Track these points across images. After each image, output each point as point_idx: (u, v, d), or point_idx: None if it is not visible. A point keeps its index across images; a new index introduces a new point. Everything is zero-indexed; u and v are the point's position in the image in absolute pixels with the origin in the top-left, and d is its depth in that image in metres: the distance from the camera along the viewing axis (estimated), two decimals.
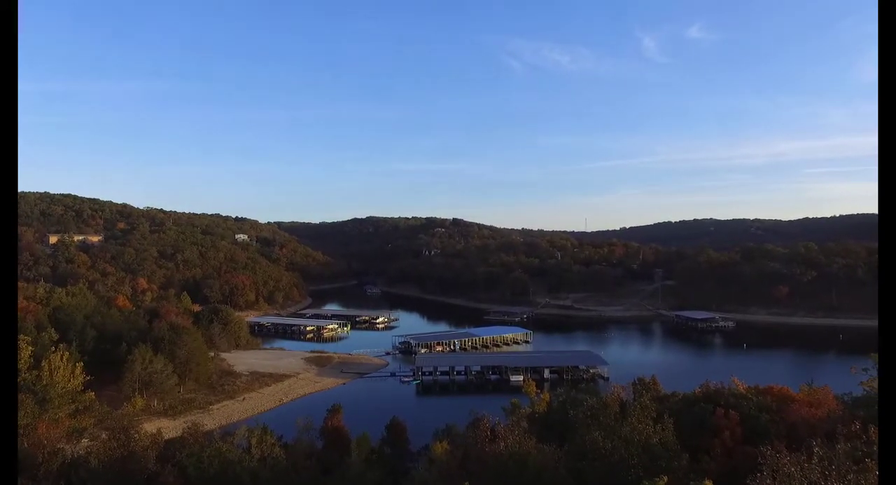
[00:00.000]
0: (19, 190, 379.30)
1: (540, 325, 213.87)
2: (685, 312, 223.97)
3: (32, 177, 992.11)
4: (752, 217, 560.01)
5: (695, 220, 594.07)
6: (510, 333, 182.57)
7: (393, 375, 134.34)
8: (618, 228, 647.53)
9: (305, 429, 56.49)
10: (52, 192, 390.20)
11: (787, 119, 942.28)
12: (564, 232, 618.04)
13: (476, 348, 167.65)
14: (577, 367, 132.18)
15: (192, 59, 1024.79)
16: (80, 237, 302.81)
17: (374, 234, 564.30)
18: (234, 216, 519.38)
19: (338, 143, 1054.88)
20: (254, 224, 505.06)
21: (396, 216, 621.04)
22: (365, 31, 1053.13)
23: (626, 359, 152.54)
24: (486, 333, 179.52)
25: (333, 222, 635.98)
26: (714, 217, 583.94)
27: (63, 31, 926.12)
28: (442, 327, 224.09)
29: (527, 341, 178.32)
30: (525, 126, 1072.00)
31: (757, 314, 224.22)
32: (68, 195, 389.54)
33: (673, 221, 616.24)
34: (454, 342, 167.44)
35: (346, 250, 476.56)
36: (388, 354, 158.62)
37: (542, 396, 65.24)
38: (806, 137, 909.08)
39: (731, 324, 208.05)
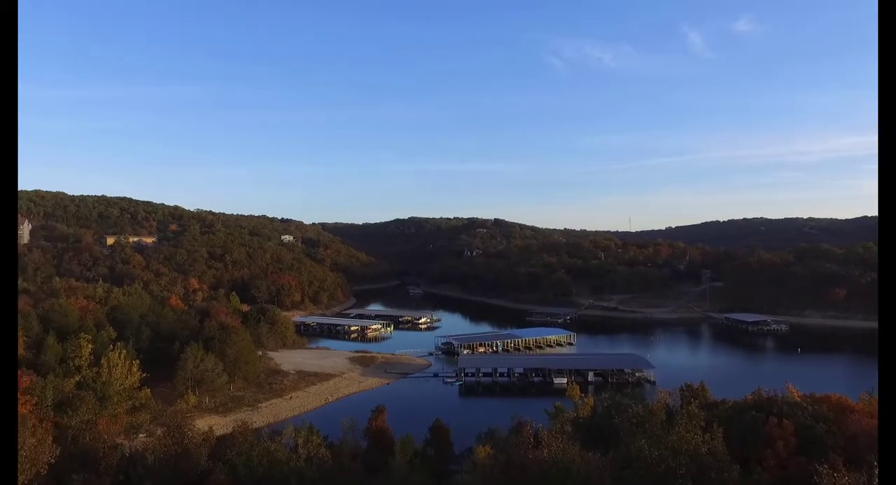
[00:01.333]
0: (81, 193, 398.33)
1: (583, 326, 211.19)
2: (735, 315, 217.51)
3: (90, 180, 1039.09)
4: (805, 216, 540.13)
5: (744, 219, 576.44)
6: (553, 335, 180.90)
7: (436, 375, 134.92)
8: (663, 228, 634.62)
9: (350, 429, 57.39)
10: (108, 195, 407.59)
11: (843, 114, 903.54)
12: (608, 232, 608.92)
13: (518, 350, 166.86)
14: (623, 370, 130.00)
15: (235, 64, 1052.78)
16: (135, 239, 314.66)
17: (416, 234, 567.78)
18: (280, 217, 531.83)
19: (380, 144, 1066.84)
20: (299, 225, 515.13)
21: (438, 217, 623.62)
22: (405, 33, 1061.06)
23: (673, 362, 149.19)
24: (529, 335, 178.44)
25: (376, 223, 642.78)
26: (765, 216, 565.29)
27: (116, 40, 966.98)
28: (484, 328, 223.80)
29: (570, 343, 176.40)
30: (567, 125, 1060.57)
31: (812, 317, 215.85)
32: (124, 198, 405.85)
33: (721, 220, 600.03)
34: (496, 343, 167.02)
35: (388, 251, 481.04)
36: (430, 354, 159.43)
37: (586, 400, 64.45)
38: (863, 132, 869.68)
39: (784, 327, 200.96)
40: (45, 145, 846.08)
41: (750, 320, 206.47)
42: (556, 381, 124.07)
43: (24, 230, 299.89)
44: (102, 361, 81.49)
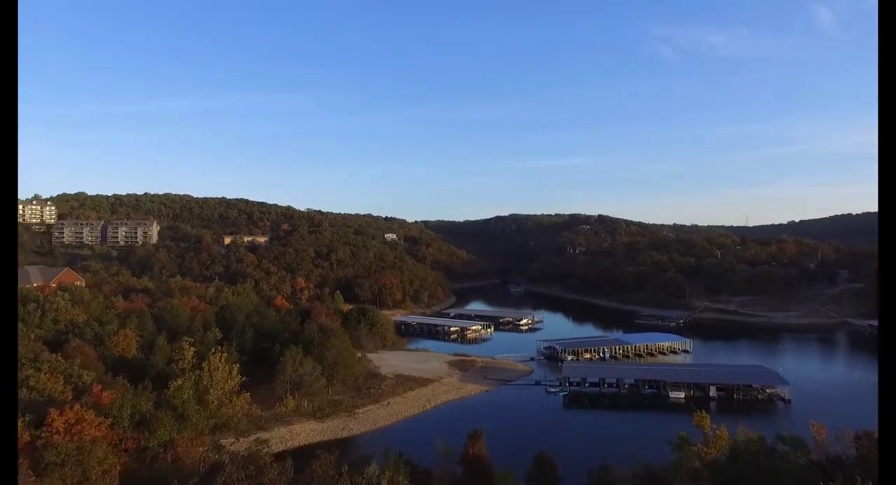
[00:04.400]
0: (204, 195, 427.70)
1: (697, 331, 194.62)
2: None
3: (213, 183, 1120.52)
4: None
5: None
6: (666, 342, 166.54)
7: (538, 383, 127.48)
8: (785, 222, 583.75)
9: (445, 454, 52.28)
10: (228, 197, 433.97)
11: None
12: (722, 227, 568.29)
13: (628, 357, 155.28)
14: (751, 385, 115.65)
15: (338, 71, 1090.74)
16: (250, 238, 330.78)
17: (517, 232, 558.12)
18: (384, 216, 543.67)
19: (481, 142, 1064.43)
20: (402, 223, 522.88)
21: (539, 214, 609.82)
22: (504, 30, 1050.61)
23: (808, 376, 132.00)
24: (639, 341, 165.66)
25: (477, 220, 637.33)
26: None
27: (230, 54, 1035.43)
28: (588, 330, 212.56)
29: (686, 351, 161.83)
30: (676, 115, 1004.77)
31: None
32: (241, 199, 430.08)
33: (854, 213, 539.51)
34: (603, 350, 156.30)
35: (489, 248, 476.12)
36: (532, 359, 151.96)
37: (717, 431, 55.15)
38: None
39: None
40: (174, 151, 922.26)
41: None
42: (672, 395, 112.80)
43: (153, 231, 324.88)
44: (204, 364, 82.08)
